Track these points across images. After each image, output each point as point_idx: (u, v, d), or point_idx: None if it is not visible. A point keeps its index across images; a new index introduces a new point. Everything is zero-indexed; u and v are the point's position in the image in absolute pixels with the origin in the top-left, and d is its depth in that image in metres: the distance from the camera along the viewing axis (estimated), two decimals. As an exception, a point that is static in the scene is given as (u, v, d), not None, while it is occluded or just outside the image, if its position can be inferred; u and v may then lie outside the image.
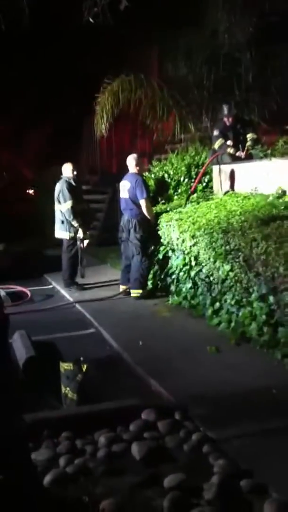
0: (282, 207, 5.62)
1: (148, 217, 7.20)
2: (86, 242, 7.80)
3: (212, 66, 9.65)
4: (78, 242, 7.77)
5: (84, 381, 4.14)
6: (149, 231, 7.23)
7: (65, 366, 4.24)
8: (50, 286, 8.48)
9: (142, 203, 7.15)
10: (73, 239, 7.77)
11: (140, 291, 7.20)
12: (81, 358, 4.32)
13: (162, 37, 10.32)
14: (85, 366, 4.21)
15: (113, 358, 5.17)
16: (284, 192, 6.24)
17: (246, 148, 8.09)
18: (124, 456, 3.36)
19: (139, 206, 7.17)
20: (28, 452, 2.84)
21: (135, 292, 7.23)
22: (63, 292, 7.88)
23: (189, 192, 7.81)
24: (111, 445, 3.43)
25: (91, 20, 6.65)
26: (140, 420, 3.73)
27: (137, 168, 7.36)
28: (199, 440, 3.43)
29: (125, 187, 7.32)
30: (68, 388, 4.13)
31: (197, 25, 9.80)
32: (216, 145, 8.28)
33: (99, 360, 4.91)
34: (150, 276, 7.44)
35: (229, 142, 8.20)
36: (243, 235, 5.23)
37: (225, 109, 8.30)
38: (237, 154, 8.14)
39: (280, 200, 6.02)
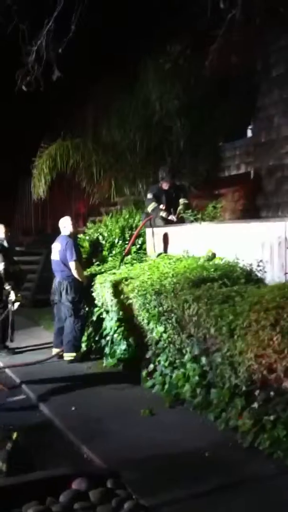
0: (212, 270, 5.78)
1: (79, 278, 7.20)
2: (17, 304, 7.62)
3: (144, 133, 10.04)
4: (9, 305, 7.59)
5: (14, 450, 3.98)
6: (81, 293, 7.20)
7: (-7, 435, 4.07)
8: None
9: (72, 265, 7.15)
10: (4, 302, 7.59)
11: (74, 354, 7.08)
12: (10, 426, 4.16)
13: (97, 103, 10.70)
14: (14, 434, 4.05)
15: (44, 424, 5.01)
16: (213, 255, 6.44)
17: (178, 212, 8.36)
18: (54, 529, 3.21)
19: (69, 268, 7.17)
20: None
21: (68, 355, 7.09)
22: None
23: (123, 254, 7.91)
24: (39, 519, 3.27)
25: (24, 88, 6.80)
26: (71, 490, 3.58)
27: (69, 230, 7.41)
28: (131, 509, 3.33)
29: (56, 249, 7.34)
30: (-4, 458, 3.95)
31: (130, 93, 10.25)
32: (149, 208, 8.51)
33: (30, 427, 4.75)
34: (84, 338, 7.36)
35: (161, 206, 8.46)
36: (176, 297, 5.32)
37: (163, 174, 8.59)
38: (170, 217, 8.39)
39: (210, 263, 6.20)
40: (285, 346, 3.78)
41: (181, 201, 8.50)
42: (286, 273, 5.13)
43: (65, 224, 7.42)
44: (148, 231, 8.23)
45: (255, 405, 4.26)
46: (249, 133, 10.53)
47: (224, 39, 6.57)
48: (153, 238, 8.02)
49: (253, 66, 9.70)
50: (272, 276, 5.48)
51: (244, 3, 5.91)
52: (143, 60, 9.93)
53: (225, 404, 4.57)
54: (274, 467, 3.76)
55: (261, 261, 5.64)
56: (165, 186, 8.53)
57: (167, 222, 8.36)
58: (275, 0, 7.64)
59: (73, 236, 7.54)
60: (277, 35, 8.84)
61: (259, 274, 5.65)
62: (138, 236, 8.30)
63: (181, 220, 8.24)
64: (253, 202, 9.95)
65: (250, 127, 10.45)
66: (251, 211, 9.80)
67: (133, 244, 8.18)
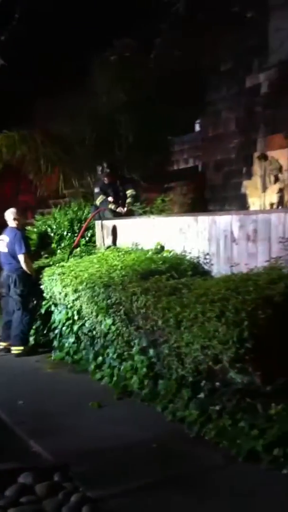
0: (160, 262, 5.83)
1: (28, 271, 7.11)
2: None
3: (93, 126, 9.98)
4: None
5: None
6: (30, 286, 7.12)
7: None
8: None
9: (21, 257, 7.06)
10: None
11: (22, 347, 7.00)
12: None
13: (45, 95, 10.54)
14: None
15: (-10, 420, 4.93)
16: (162, 248, 6.49)
17: (127, 204, 8.38)
18: (0, 524, 3.18)
19: (18, 261, 7.08)
20: None
21: (16, 349, 7.01)
22: None
23: (72, 246, 7.86)
24: (-15, 514, 3.23)
25: None
26: (17, 484, 3.56)
27: (16, 222, 7.30)
28: (78, 501, 3.33)
29: (3, 242, 7.22)
30: None
31: (79, 85, 10.15)
32: (98, 201, 8.50)
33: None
34: (32, 331, 7.28)
35: (110, 199, 8.46)
36: (124, 289, 5.33)
37: (105, 168, 8.61)
38: (118, 210, 8.40)
39: (159, 255, 6.25)
40: (230, 337, 3.86)
41: (129, 193, 8.53)
42: (231, 266, 5.23)
43: (11, 216, 7.30)
44: (97, 223, 8.21)
45: (201, 395, 4.35)
46: (197, 128, 10.65)
47: (171, 33, 6.61)
48: (102, 230, 8.01)
49: (201, 61, 9.78)
50: (218, 268, 5.58)
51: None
52: (90, 52, 9.85)
53: (172, 395, 4.63)
54: (220, 456, 3.84)
55: (208, 254, 5.74)
56: (105, 180, 8.53)
57: (116, 215, 8.37)
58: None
59: (21, 228, 7.44)
60: (225, 30, 8.95)
61: (206, 267, 5.74)
62: (87, 228, 8.27)
63: (130, 213, 8.26)
64: (201, 196, 10.09)
65: (198, 121, 10.57)
66: (199, 204, 9.93)
67: (82, 236, 8.15)
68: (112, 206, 8.42)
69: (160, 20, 6.75)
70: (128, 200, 8.40)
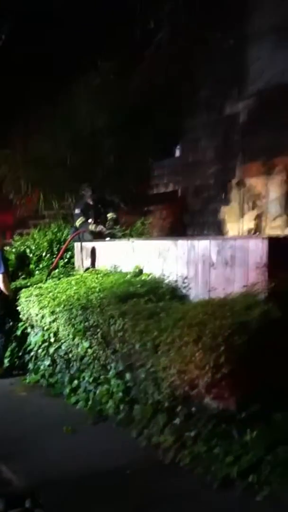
0: (139, 285, 5.83)
1: (6, 292, 7.05)
2: None
3: (74, 148, 10.03)
4: None
5: None
6: (6, 307, 7.05)
7: None
8: None
9: (-1, 278, 7.01)
10: None
11: (-4, 369, 6.91)
12: None
13: (26, 115, 10.59)
14: None
15: None
16: (141, 271, 6.49)
17: (107, 224, 8.39)
18: None
19: (-5, 281, 7.01)
20: None
21: (-10, 371, 6.91)
22: None
23: (50, 268, 7.82)
24: None
25: None
26: (-12, 511, 3.49)
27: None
28: (49, 529, 3.28)
29: (-19, 262, 7.15)
30: None
31: (60, 106, 10.22)
32: (77, 223, 8.49)
33: None
34: (7, 354, 7.18)
35: (89, 221, 8.45)
36: (102, 312, 5.32)
37: (88, 191, 8.59)
38: (98, 228, 8.39)
39: (137, 278, 6.26)
40: (207, 362, 3.86)
41: (109, 216, 8.55)
42: (209, 291, 5.26)
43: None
44: (77, 245, 8.19)
45: (177, 421, 4.32)
46: (178, 153, 10.78)
47: (152, 60, 6.73)
48: (81, 252, 7.99)
49: (181, 87, 9.95)
50: (197, 292, 5.59)
51: (171, 28, 6.09)
52: (73, 74, 9.94)
53: (147, 420, 4.59)
54: (195, 483, 3.80)
55: (186, 278, 5.76)
56: (91, 202, 8.53)
57: (96, 237, 8.37)
58: (200, 26, 7.91)
59: (0, 248, 7.39)
60: (204, 58, 9.13)
61: (184, 291, 5.76)
62: (67, 250, 8.24)
63: (109, 235, 8.27)
64: (180, 220, 10.16)
65: (178, 147, 10.70)
66: (178, 228, 10.00)
67: (61, 258, 8.12)
68: (92, 227, 8.42)
69: (143, 47, 6.86)
70: (108, 222, 8.41)
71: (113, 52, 9.28)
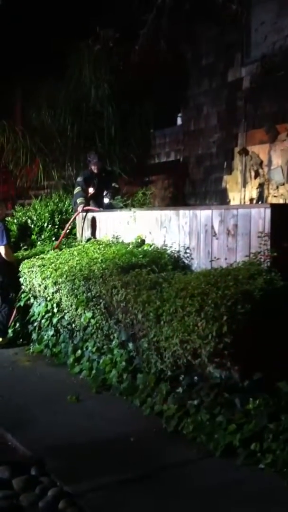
0: (141, 256, 5.81)
1: (10, 261, 7.04)
2: None
3: (75, 117, 9.87)
4: None
5: None
6: (9, 278, 7.05)
7: None
8: None
9: (2, 249, 6.99)
10: None
11: (0, 339, 6.95)
12: None
13: (25, 84, 10.41)
14: None
15: None
16: (143, 241, 6.47)
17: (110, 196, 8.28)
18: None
19: (-2, 252, 7.00)
20: None
21: (-6, 341, 6.95)
22: None
23: (53, 247, 7.64)
24: None
25: None
26: (-6, 478, 3.54)
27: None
28: (55, 495, 3.33)
29: (-16, 233, 7.12)
30: None
31: (61, 75, 10.04)
32: (75, 191, 8.29)
33: None
34: (11, 324, 7.22)
35: (91, 190, 8.26)
36: (104, 283, 5.32)
37: (94, 158, 8.32)
38: (106, 199, 8.26)
39: (139, 249, 6.23)
40: (209, 332, 3.87)
41: (113, 185, 8.42)
42: (211, 260, 5.24)
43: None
44: (79, 216, 8.13)
45: (180, 390, 4.36)
46: (179, 121, 10.62)
47: (154, 26, 6.56)
48: (83, 223, 7.95)
49: (184, 54, 9.75)
50: (199, 263, 5.58)
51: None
52: (74, 42, 9.73)
53: (150, 389, 4.64)
54: (196, 451, 3.85)
55: (188, 248, 5.74)
56: (94, 169, 8.36)
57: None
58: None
59: (2, 219, 7.35)
60: (207, 24, 8.91)
61: (186, 261, 5.74)
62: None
63: (110, 206, 8.20)
64: (182, 190, 10.07)
65: (180, 115, 10.53)
66: (180, 198, 9.92)
67: (65, 237, 7.97)
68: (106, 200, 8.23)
69: (144, 11, 6.67)
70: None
71: (113, 18, 9.06)
